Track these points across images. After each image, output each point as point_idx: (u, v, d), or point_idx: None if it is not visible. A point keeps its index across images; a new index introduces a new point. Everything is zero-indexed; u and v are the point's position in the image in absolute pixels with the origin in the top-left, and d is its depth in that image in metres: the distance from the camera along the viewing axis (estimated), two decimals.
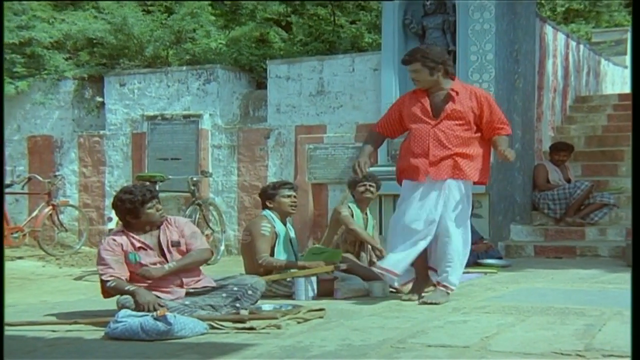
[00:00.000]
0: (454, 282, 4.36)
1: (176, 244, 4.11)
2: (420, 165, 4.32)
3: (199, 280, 4.12)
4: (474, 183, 4.44)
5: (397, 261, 4.31)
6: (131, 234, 4.08)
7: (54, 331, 3.66)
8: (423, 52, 4.41)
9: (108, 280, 3.91)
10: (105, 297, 4.07)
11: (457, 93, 4.36)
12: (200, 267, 4.22)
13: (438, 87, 4.39)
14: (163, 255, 4.07)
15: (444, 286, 4.32)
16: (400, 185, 4.51)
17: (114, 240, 4.05)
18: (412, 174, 4.37)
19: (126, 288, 3.83)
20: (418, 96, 4.44)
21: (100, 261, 3.98)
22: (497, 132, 4.41)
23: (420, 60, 4.35)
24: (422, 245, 4.31)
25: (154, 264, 4.02)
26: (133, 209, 4.04)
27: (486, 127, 4.39)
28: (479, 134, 4.41)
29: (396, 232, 4.39)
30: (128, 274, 3.98)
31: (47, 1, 9.75)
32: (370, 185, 5.53)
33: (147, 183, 7.05)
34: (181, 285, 4.04)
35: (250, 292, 4.08)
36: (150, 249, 4.07)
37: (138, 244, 4.05)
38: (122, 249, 4.01)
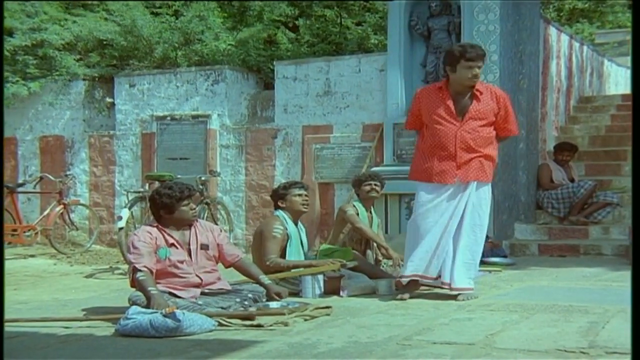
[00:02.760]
0: (470, 282, 4.39)
1: (205, 247, 4.19)
2: (448, 168, 4.29)
3: (215, 282, 4.19)
4: None
5: (426, 264, 4.33)
6: (164, 229, 4.15)
7: (66, 327, 3.73)
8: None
9: (141, 271, 3.90)
10: (132, 286, 4.06)
11: (481, 93, 4.35)
12: (218, 269, 4.30)
13: (467, 87, 4.35)
14: (189, 254, 4.15)
15: (466, 288, 4.32)
16: (413, 182, 4.49)
17: (149, 233, 4.09)
18: (439, 177, 4.32)
19: (148, 289, 3.84)
20: (442, 95, 4.36)
21: (134, 250, 3.99)
22: (506, 133, 4.47)
23: (484, 58, 4.36)
24: (443, 245, 4.32)
25: (182, 262, 4.09)
26: (169, 204, 4.11)
27: (498, 127, 4.42)
28: (494, 132, 4.43)
29: (418, 235, 4.35)
30: (155, 267, 4.01)
31: (49, 1, 9.84)
32: (375, 185, 5.59)
33: (156, 182, 7.14)
34: (199, 285, 4.11)
35: (264, 299, 4.16)
36: (181, 246, 4.14)
37: (171, 240, 4.11)
38: (155, 243, 4.06)
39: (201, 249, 4.18)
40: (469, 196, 4.32)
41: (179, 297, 3.98)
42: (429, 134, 4.41)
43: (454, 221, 4.31)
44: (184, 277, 4.09)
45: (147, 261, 3.97)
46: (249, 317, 3.72)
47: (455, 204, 4.31)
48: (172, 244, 4.12)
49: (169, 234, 4.13)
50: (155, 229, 4.14)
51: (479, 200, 4.36)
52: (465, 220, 4.32)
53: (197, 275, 4.12)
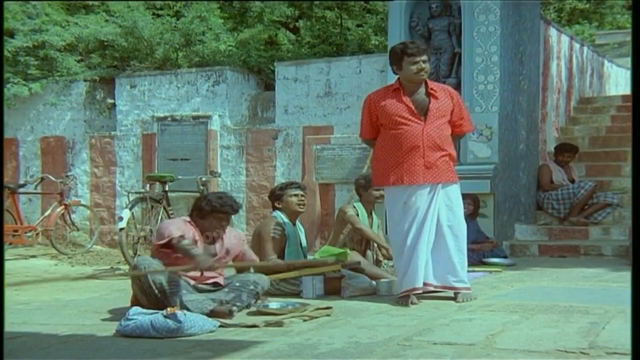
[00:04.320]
0: (467, 280, 4.40)
1: (227, 252, 4.30)
2: (417, 168, 4.25)
3: (216, 277, 4.25)
4: None
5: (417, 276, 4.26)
6: (195, 226, 4.24)
7: (68, 327, 3.74)
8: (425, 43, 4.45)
9: (175, 238, 4.02)
10: (151, 256, 4.13)
11: (435, 91, 4.36)
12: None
13: (419, 85, 4.34)
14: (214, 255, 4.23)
15: (466, 288, 4.32)
16: (379, 186, 4.47)
17: (184, 223, 4.21)
18: (409, 178, 4.26)
19: (191, 250, 3.96)
20: (398, 96, 4.33)
21: (166, 231, 4.09)
22: (461, 130, 4.47)
23: (428, 52, 4.37)
24: (424, 250, 4.27)
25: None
26: (204, 211, 4.21)
27: (453, 125, 4.41)
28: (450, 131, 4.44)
29: (404, 244, 4.28)
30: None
31: (50, 1, 9.86)
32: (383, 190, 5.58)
33: (157, 183, 7.16)
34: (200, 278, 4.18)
35: (252, 286, 4.18)
36: (203, 246, 4.22)
37: (197, 237, 4.20)
38: (187, 235, 4.14)
39: (225, 254, 4.29)
40: (440, 197, 4.29)
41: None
42: (391, 136, 4.32)
43: (432, 224, 4.27)
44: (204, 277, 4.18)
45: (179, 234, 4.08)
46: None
47: (429, 206, 4.27)
48: (197, 241, 4.19)
49: (197, 231, 4.23)
50: (188, 223, 4.25)
51: (450, 201, 4.32)
52: (442, 222, 4.29)
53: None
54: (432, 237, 4.28)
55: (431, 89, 4.36)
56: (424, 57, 4.30)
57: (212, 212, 4.20)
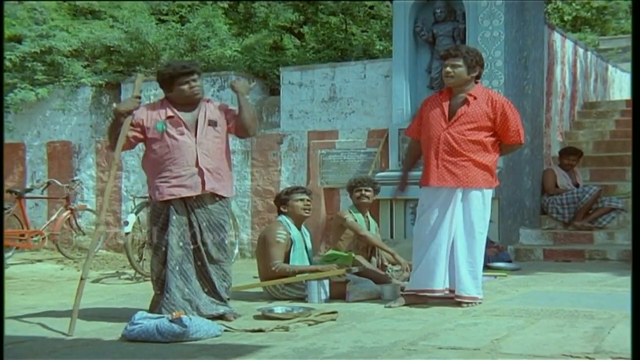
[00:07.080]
0: (479, 292, 4.34)
1: (213, 124, 4.14)
2: (430, 170, 4.32)
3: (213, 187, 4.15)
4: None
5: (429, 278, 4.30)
6: (170, 104, 4.13)
7: (76, 329, 3.76)
8: (468, 48, 4.42)
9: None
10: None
11: (474, 98, 4.33)
12: (225, 160, 4.26)
13: (461, 89, 4.35)
14: (195, 131, 4.10)
15: (472, 298, 4.29)
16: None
17: (145, 108, 4.17)
18: (423, 179, 4.39)
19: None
20: (441, 98, 4.41)
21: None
22: (509, 140, 4.40)
23: (464, 56, 4.31)
24: (442, 254, 4.29)
25: (181, 134, 4.07)
26: (167, 81, 4.10)
27: (500, 134, 4.38)
28: (493, 139, 4.37)
29: (418, 245, 4.38)
30: (134, 134, 4.17)
31: (53, 0, 9.91)
32: (366, 190, 5.60)
33: None
34: (197, 166, 4.09)
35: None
36: (183, 123, 4.09)
37: (170, 113, 4.09)
38: (152, 117, 4.11)
39: (209, 125, 4.12)
40: (458, 203, 4.29)
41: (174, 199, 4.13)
42: (423, 138, 4.47)
43: (446, 229, 4.28)
44: (183, 150, 4.04)
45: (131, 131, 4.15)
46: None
47: (446, 211, 4.29)
48: (170, 117, 4.09)
49: (171, 109, 4.11)
50: (159, 103, 4.18)
51: (469, 207, 4.30)
52: (458, 229, 4.29)
53: (197, 151, 4.06)
54: (446, 245, 4.29)
55: (469, 94, 4.35)
56: (450, 62, 4.34)
57: (175, 78, 4.06)
